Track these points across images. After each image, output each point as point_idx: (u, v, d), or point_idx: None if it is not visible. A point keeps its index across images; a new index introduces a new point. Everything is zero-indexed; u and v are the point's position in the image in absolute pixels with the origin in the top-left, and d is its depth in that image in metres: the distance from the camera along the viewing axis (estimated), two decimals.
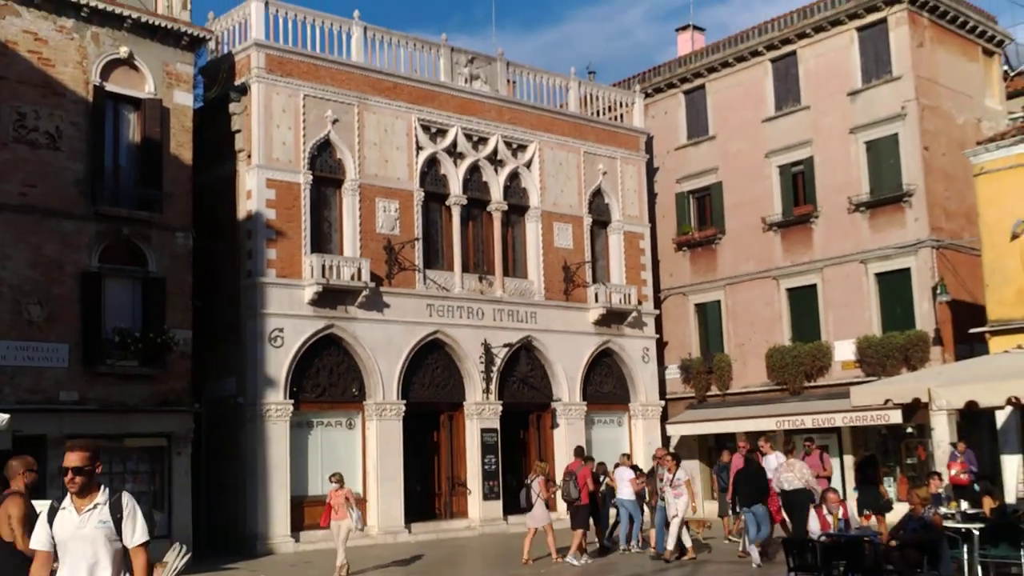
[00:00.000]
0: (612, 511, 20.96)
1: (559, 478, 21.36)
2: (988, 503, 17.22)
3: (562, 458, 26.19)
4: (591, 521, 19.49)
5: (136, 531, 6.00)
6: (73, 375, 20.29)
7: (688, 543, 18.42)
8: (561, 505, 21.00)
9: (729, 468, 19.87)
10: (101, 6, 21.16)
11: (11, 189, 19.90)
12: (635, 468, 21.14)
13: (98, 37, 21.40)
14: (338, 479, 17.87)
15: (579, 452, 20.39)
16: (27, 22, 20.48)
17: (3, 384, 19.30)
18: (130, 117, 22.11)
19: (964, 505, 16.10)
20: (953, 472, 20.17)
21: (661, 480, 18.77)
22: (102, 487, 6.09)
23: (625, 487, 20.21)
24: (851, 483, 26.88)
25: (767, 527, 17.11)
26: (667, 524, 18.35)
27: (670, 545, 18.08)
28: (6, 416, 14.02)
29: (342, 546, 17.56)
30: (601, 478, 20.91)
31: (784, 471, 17.42)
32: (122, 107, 21.98)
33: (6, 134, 19.96)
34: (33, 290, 19.96)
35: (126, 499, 6.07)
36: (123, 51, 21.64)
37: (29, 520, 7.11)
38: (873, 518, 17.72)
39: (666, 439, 30.94)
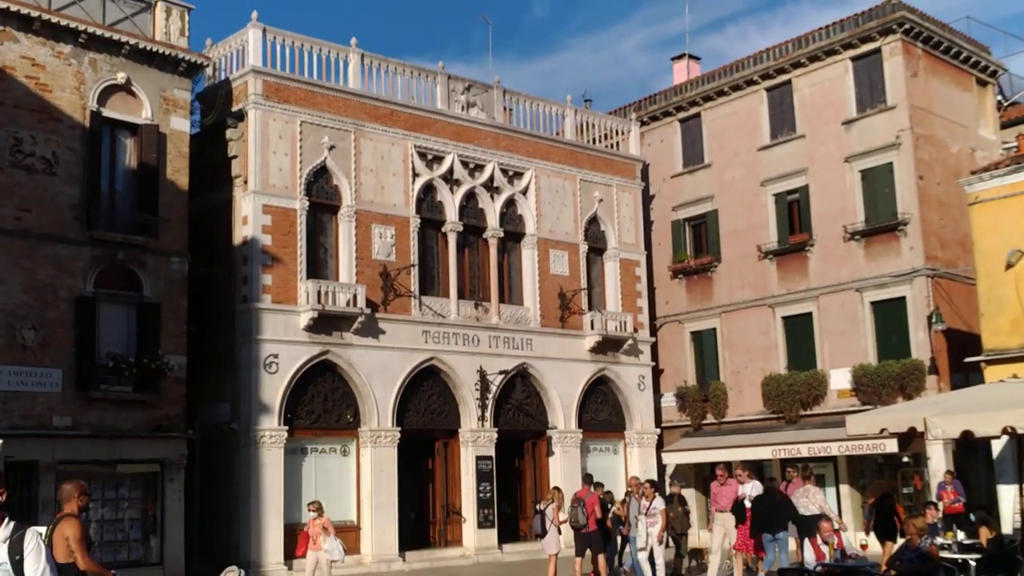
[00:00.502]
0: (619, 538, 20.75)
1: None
2: (985, 533, 17.14)
3: (561, 484, 25.88)
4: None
5: (39, 573, 5.42)
6: (66, 400, 20.19)
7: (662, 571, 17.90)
8: (567, 532, 20.64)
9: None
10: (99, 32, 21.24)
11: (7, 213, 19.89)
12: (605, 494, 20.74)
13: (96, 63, 21.47)
14: (316, 507, 17.52)
15: (588, 479, 20.35)
16: (25, 48, 20.55)
17: None
18: (127, 142, 22.14)
19: (960, 535, 16.03)
20: (947, 501, 20.16)
21: (639, 509, 18.19)
22: (6, 520, 5.54)
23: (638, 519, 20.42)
24: (849, 512, 26.82)
25: (785, 555, 17.01)
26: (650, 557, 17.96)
27: (660, 574, 17.81)
28: None
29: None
30: (608, 505, 20.70)
31: (800, 497, 17.54)
32: (119, 132, 22.03)
33: (3, 159, 19.98)
34: (27, 315, 19.90)
35: (29, 536, 5.53)
36: (120, 77, 21.71)
37: (86, 540, 7.65)
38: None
39: (661, 467, 30.83)
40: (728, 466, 19.36)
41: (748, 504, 17.45)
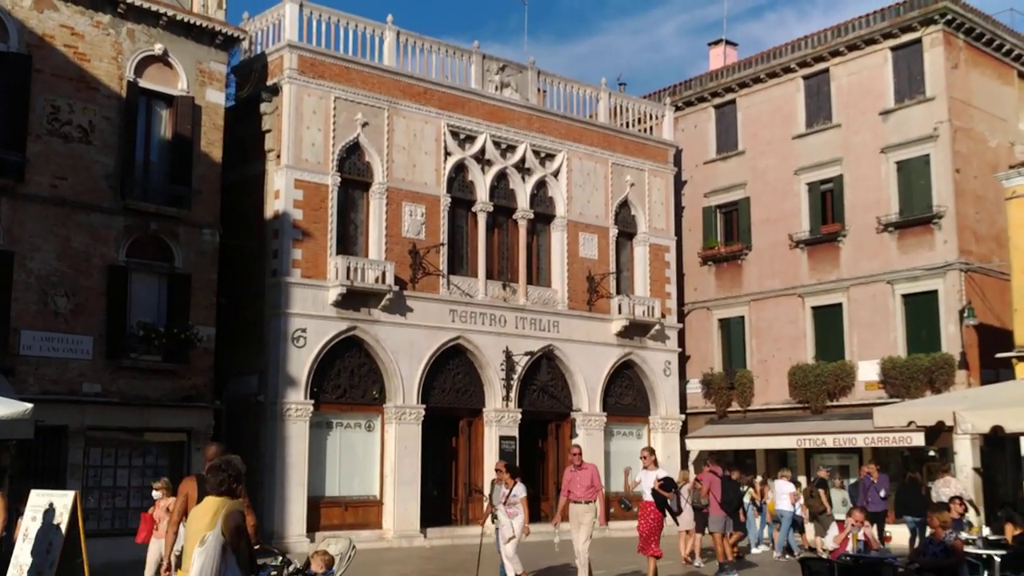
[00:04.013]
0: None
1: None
2: (1010, 530, 16.98)
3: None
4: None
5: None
6: (96, 367, 20.41)
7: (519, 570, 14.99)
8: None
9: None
10: (138, 3, 21.35)
11: (43, 181, 20.08)
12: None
13: (133, 33, 21.58)
14: (163, 486, 14.31)
15: (707, 462, 21.27)
16: (64, 17, 20.68)
17: (27, 374, 19.44)
18: (162, 113, 22.27)
19: (986, 532, 15.90)
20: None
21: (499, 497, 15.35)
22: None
23: (784, 499, 22.06)
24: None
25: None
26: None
27: (510, 573, 14.90)
28: (29, 406, 14.05)
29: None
30: (742, 488, 22.18)
31: (941, 487, 19.60)
32: (155, 103, 22.16)
33: (40, 126, 20.15)
34: (60, 281, 20.11)
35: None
36: (158, 48, 21.82)
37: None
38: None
39: (685, 453, 30.82)
40: (577, 445, 17.00)
41: (649, 497, 15.92)
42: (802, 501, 22.20)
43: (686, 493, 19.56)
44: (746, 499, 23.07)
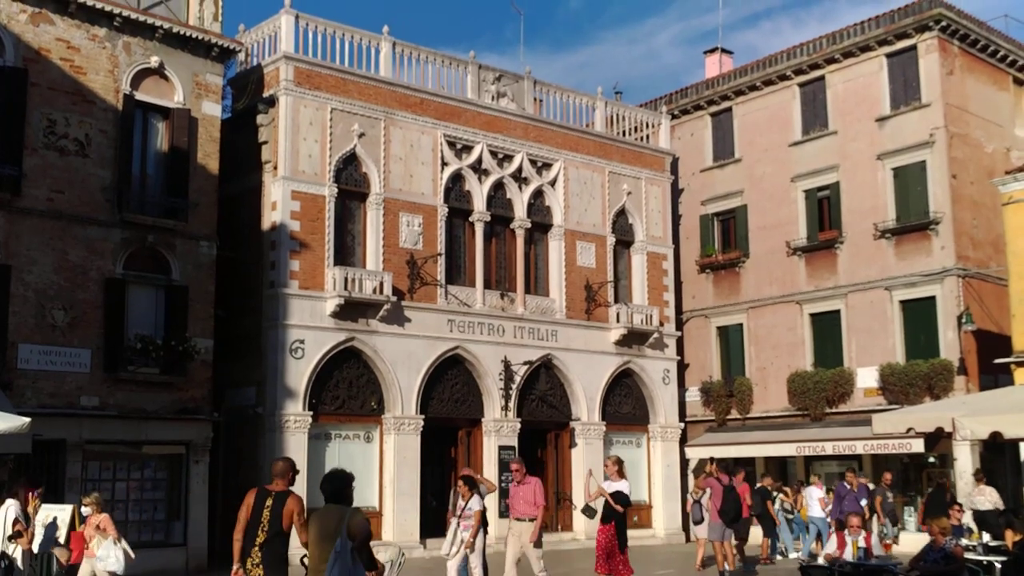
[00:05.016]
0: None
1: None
2: (1010, 536, 16.95)
3: (580, 478, 26.06)
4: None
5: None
6: (94, 380, 20.38)
7: None
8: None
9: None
10: (133, 16, 21.38)
11: (39, 194, 20.07)
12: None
13: (129, 46, 21.61)
14: (92, 502, 13.73)
15: (737, 471, 21.57)
16: (60, 30, 20.70)
17: (25, 387, 19.40)
18: (158, 126, 22.28)
19: (986, 536, 15.89)
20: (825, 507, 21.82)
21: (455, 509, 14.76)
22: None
23: (816, 506, 22.43)
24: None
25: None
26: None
27: None
28: (27, 420, 14.04)
29: None
30: (774, 494, 23.21)
31: (976, 495, 20.14)
32: (151, 116, 22.16)
33: (36, 140, 20.15)
34: (57, 295, 20.09)
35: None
36: (154, 61, 21.84)
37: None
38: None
39: (684, 462, 30.79)
40: (522, 460, 16.07)
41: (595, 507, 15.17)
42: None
43: (706, 502, 19.50)
44: (778, 506, 23.51)
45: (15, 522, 12.02)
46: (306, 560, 8.02)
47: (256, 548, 8.49)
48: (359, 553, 7.62)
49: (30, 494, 12.91)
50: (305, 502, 23.58)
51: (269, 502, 8.59)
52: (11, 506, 12.16)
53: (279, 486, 8.76)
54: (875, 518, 21.37)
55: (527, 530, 14.40)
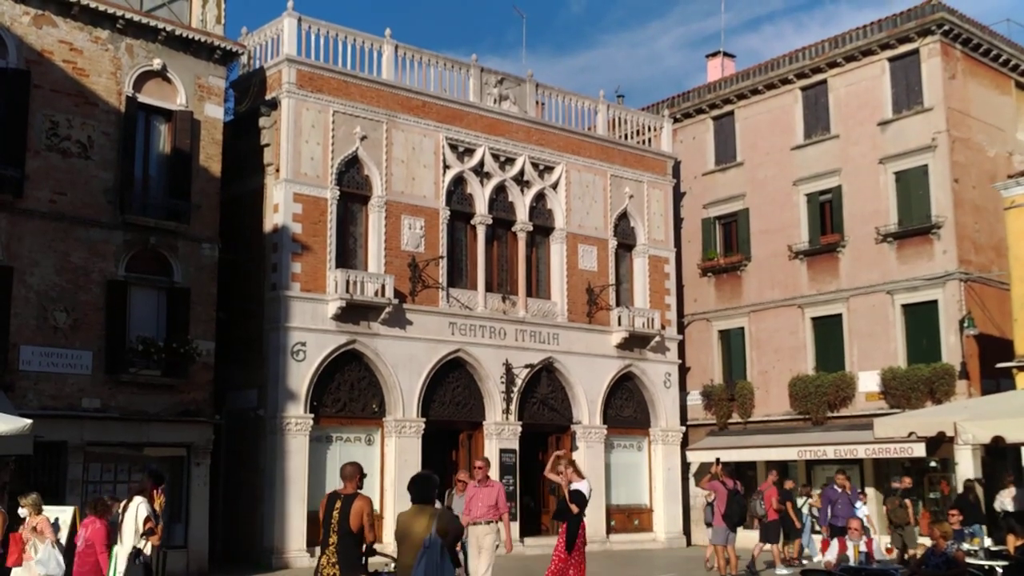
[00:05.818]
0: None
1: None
2: (1012, 541, 16.96)
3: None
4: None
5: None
6: (96, 382, 20.37)
7: None
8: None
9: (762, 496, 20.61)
10: (136, 18, 21.39)
11: (41, 196, 20.08)
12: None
13: (132, 49, 21.63)
14: (31, 504, 13.03)
15: (769, 475, 22.20)
16: (63, 32, 20.72)
17: (27, 389, 19.40)
18: (161, 128, 22.29)
19: (987, 541, 15.87)
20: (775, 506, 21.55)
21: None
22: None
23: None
24: (873, 515, 26.64)
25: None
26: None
27: None
28: (28, 421, 14.06)
29: None
30: (799, 498, 23.48)
31: (1005, 497, 20.39)
32: (153, 118, 22.17)
33: (39, 142, 20.16)
34: (59, 297, 20.09)
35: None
36: (156, 63, 21.86)
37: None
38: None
39: (686, 465, 30.77)
40: (488, 460, 15.13)
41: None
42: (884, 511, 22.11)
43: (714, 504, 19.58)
44: (804, 509, 23.55)
45: (146, 519, 12.10)
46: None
47: (331, 548, 9.03)
48: (449, 550, 8.09)
49: (155, 491, 13.02)
50: (305, 504, 23.45)
51: (338, 504, 9.13)
52: (141, 503, 12.22)
53: (348, 489, 9.25)
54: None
55: (485, 533, 13.51)
